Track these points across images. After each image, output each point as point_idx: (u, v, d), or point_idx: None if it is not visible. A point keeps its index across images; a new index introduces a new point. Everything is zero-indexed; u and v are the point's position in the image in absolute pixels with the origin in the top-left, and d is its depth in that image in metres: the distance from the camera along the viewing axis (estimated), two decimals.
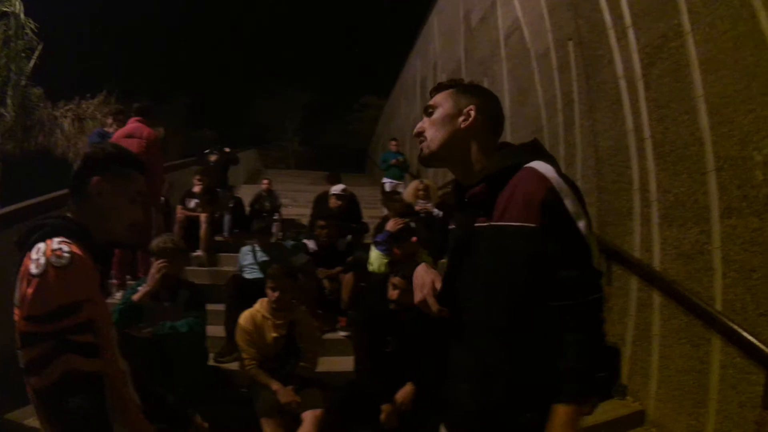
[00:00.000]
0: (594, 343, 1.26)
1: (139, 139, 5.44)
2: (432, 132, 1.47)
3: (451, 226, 1.58)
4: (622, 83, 3.93)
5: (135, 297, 3.44)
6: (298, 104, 32.57)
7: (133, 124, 5.59)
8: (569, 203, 1.28)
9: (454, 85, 1.53)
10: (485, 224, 1.36)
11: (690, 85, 3.22)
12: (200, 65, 26.92)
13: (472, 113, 1.45)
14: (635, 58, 3.79)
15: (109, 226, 1.49)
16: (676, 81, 3.37)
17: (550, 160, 1.40)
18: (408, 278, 3.50)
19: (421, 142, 1.50)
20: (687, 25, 3.21)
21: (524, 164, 1.36)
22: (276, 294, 3.60)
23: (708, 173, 3.05)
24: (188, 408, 3.24)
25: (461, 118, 1.46)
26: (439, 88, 1.55)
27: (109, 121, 6.34)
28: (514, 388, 1.29)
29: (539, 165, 1.34)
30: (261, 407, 3.29)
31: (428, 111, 1.51)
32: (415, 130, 1.51)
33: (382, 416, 3.18)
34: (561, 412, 1.22)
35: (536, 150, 1.45)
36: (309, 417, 3.30)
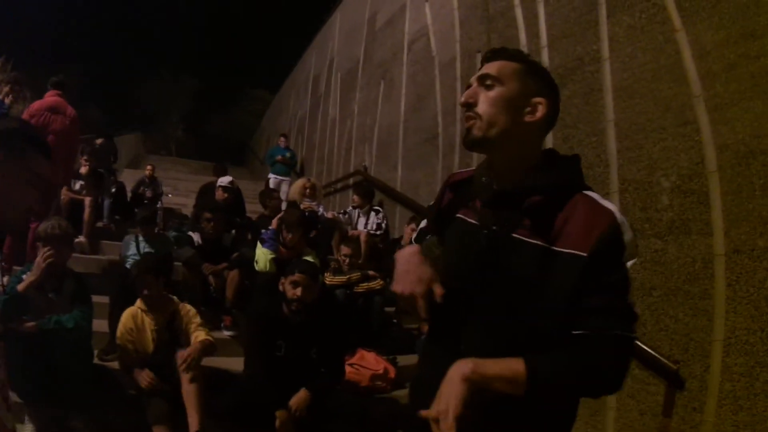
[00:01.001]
0: (582, 371, 1.12)
1: (63, 116, 5.27)
2: (490, 112, 1.22)
3: (461, 216, 1.32)
4: None
5: (20, 287, 3.12)
6: (188, 90, 30.83)
7: (53, 97, 5.36)
8: (627, 238, 1.15)
9: (522, 59, 1.28)
10: (529, 240, 1.16)
11: (601, 109, 3.34)
12: (92, 40, 24.43)
13: (541, 109, 1.23)
14: None
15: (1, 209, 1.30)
16: (586, 104, 3.48)
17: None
18: (309, 273, 3.31)
19: (471, 117, 1.24)
20: (605, 52, 3.33)
21: (579, 187, 1.21)
22: (145, 295, 3.41)
23: (611, 194, 3.17)
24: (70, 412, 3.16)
25: (527, 109, 1.23)
26: (502, 54, 1.29)
27: (6, 89, 6.05)
28: (525, 418, 1.15)
29: (597, 196, 1.20)
30: (152, 414, 3.04)
31: (486, 82, 1.24)
32: (465, 99, 1.25)
33: (277, 423, 2.95)
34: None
35: (580, 170, 1.29)
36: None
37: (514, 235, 1.18)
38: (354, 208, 6.18)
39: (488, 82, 1.24)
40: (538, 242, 1.15)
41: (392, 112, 6.98)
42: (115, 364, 3.70)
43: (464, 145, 1.26)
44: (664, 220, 2.81)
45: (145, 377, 3.24)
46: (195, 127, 31.25)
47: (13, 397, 3.12)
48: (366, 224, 5.99)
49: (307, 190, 6.15)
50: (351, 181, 8.03)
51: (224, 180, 6.36)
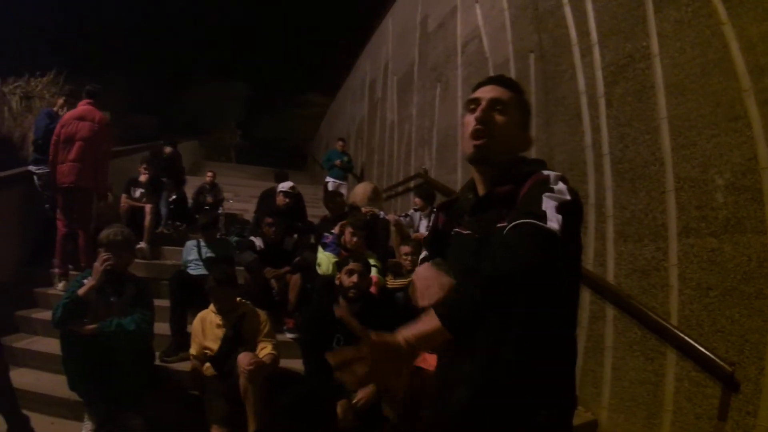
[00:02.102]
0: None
1: (91, 123, 5.43)
2: (502, 135, 1.41)
3: (456, 230, 1.48)
4: (583, 99, 4.01)
5: (80, 291, 3.30)
6: (240, 97, 31.89)
7: (84, 106, 5.55)
8: (553, 194, 1.24)
9: (519, 90, 1.49)
10: (501, 225, 1.26)
11: (654, 106, 3.32)
12: (142, 49, 25.80)
13: (530, 141, 1.48)
14: (599, 75, 3.88)
15: None
16: (639, 101, 3.46)
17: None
18: (362, 262, 3.58)
19: (482, 136, 1.40)
20: (655, 48, 3.31)
21: (539, 169, 1.35)
22: (218, 305, 3.64)
23: (667, 192, 3.15)
24: (129, 411, 3.34)
25: (524, 140, 1.47)
26: (506, 83, 1.48)
27: (60, 102, 6.16)
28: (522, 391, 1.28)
29: (551, 172, 1.33)
30: (213, 414, 3.22)
31: (497, 107, 1.42)
32: (480, 117, 1.40)
33: (338, 412, 3.13)
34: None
35: (544, 163, 1.46)
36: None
37: (497, 226, 1.27)
38: (416, 210, 6.31)
39: (498, 107, 1.41)
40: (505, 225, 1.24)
41: (449, 115, 7.07)
42: (177, 366, 3.97)
43: (471, 159, 1.43)
44: (719, 218, 2.78)
45: (205, 370, 3.51)
46: (252, 133, 32.26)
47: (73, 396, 3.46)
48: (428, 227, 6.10)
49: (370, 194, 6.32)
50: (411, 184, 8.16)
51: (285, 185, 6.55)
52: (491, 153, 1.40)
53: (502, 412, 1.28)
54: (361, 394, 3.20)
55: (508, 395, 1.27)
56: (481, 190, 1.45)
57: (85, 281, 3.42)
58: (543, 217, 1.18)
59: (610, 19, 3.80)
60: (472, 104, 1.47)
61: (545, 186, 1.26)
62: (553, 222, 1.17)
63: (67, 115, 5.55)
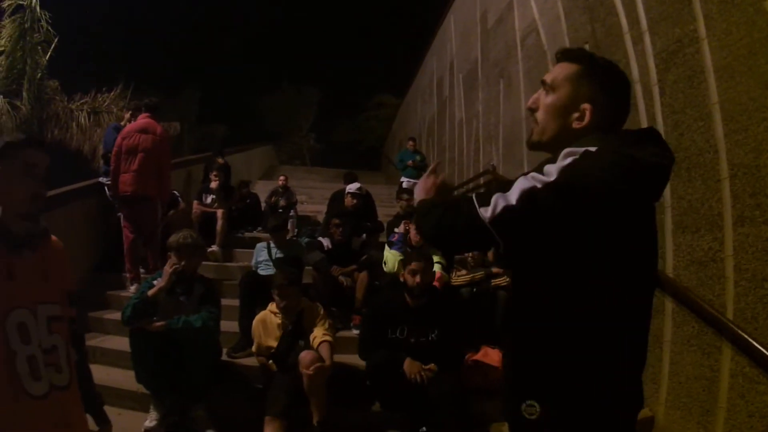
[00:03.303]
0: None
1: (153, 135, 5.65)
2: (544, 119, 1.38)
3: None
4: (638, 88, 3.95)
5: (150, 292, 3.60)
6: (311, 101, 32.78)
7: (144, 119, 5.77)
8: (529, 176, 1.22)
9: (581, 58, 1.37)
10: None
11: (705, 91, 3.24)
12: (211, 59, 27.11)
13: (587, 114, 1.32)
14: (651, 63, 3.81)
15: (10, 204, 1.61)
16: (690, 87, 3.39)
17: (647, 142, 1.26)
18: (423, 259, 3.74)
19: (532, 121, 1.41)
20: (702, 31, 3.24)
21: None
22: (283, 303, 3.78)
23: (722, 180, 3.08)
24: (194, 403, 3.62)
25: (575, 115, 1.34)
26: (564, 55, 1.41)
27: (127, 116, 6.48)
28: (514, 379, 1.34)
29: (578, 149, 1.24)
30: (269, 406, 3.37)
31: (546, 85, 1.39)
32: (530, 104, 1.41)
33: (406, 365, 3.42)
34: None
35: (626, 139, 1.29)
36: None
37: None
38: None
39: (547, 86, 1.38)
40: None
41: (514, 110, 7.07)
42: (244, 361, 4.19)
43: (529, 147, 1.43)
44: None
45: (268, 367, 3.75)
46: (325, 137, 33.03)
47: (141, 389, 3.75)
48: None
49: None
50: (481, 180, 8.21)
51: (352, 186, 6.74)
52: (538, 140, 1.39)
53: (504, 406, 1.36)
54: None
55: (505, 389, 1.36)
56: None
57: (155, 282, 3.72)
58: (490, 200, 1.20)
59: (658, 4, 3.73)
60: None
61: (539, 167, 1.24)
62: (497, 208, 1.19)
63: (128, 127, 5.80)
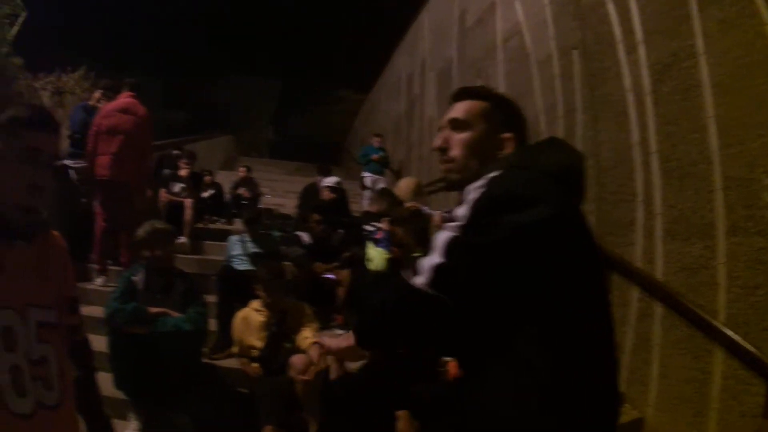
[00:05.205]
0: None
1: (134, 116, 5.47)
2: (463, 156, 1.40)
3: None
4: (630, 97, 4.18)
5: (153, 310, 3.47)
6: (272, 93, 32.54)
7: (126, 99, 5.59)
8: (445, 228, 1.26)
9: (486, 96, 1.45)
10: None
11: (701, 105, 3.47)
12: (173, 45, 26.48)
13: (510, 144, 1.40)
14: (644, 73, 4.04)
15: (6, 191, 1.45)
16: (685, 100, 3.62)
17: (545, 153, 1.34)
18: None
19: (446, 161, 1.43)
20: (700, 47, 3.47)
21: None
22: (269, 299, 3.78)
23: (715, 191, 3.31)
24: (177, 409, 3.49)
25: (497, 148, 1.40)
26: (467, 94, 1.47)
27: (97, 95, 6.38)
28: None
29: (474, 185, 1.27)
30: (264, 413, 3.37)
31: (456, 126, 1.43)
32: (438, 144, 1.44)
33: (399, 424, 3.20)
34: None
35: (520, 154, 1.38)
36: None
37: None
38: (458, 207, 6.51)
39: (457, 126, 1.43)
40: None
41: None
42: (224, 363, 4.11)
43: (445, 188, 1.47)
44: (766, 217, 2.94)
45: (252, 370, 3.63)
46: (285, 129, 32.82)
47: (119, 394, 3.52)
48: None
49: (413, 189, 6.50)
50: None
51: (330, 180, 6.82)
52: (460, 179, 1.40)
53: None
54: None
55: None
56: None
57: (133, 278, 3.57)
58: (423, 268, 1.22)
59: (655, 17, 3.95)
60: (439, 130, 1.50)
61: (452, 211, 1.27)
62: (427, 271, 1.20)
63: (109, 106, 5.60)
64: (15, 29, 10.86)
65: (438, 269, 1.18)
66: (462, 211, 1.22)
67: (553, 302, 1.20)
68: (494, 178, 1.23)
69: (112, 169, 5.29)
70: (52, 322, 1.50)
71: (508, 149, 1.39)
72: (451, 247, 1.19)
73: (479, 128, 1.41)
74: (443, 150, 1.44)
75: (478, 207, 1.20)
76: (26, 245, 1.48)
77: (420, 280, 1.19)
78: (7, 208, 1.44)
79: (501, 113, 1.44)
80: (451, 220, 1.23)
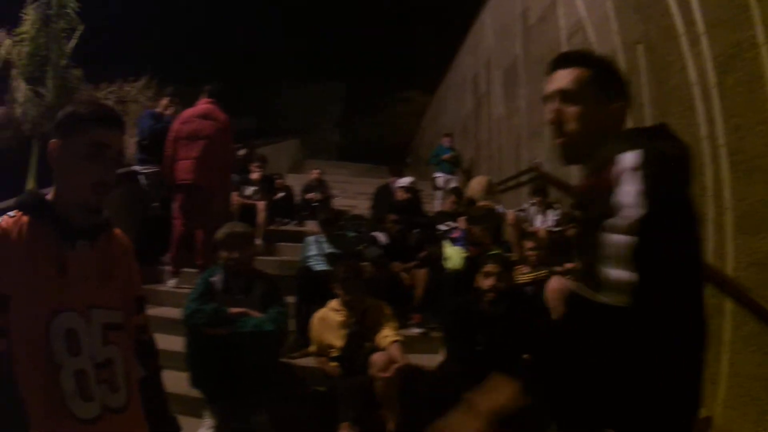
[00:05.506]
0: None
1: (215, 122, 5.51)
2: (579, 131, 1.35)
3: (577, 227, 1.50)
4: (696, 90, 4.15)
5: (234, 310, 3.47)
6: (336, 96, 33.19)
7: (205, 105, 5.62)
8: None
9: (591, 63, 1.38)
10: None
11: (765, 96, 3.43)
12: (235, 52, 27.35)
13: (622, 114, 1.36)
14: (708, 65, 4.01)
15: (70, 190, 1.44)
16: (750, 91, 3.58)
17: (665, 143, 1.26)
18: (499, 262, 3.71)
19: (561, 136, 1.38)
20: (761, 38, 3.43)
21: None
22: (348, 297, 3.79)
23: None
24: (256, 408, 3.49)
25: (611, 119, 1.35)
26: (571, 61, 1.40)
27: (164, 102, 6.56)
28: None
29: (626, 161, 1.19)
30: (344, 415, 3.37)
31: (566, 97, 1.36)
32: (552, 118, 1.38)
33: None
34: None
35: (650, 135, 1.29)
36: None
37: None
38: (531, 205, 6.56)
39: (567, 98, 1.35)
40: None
41: None
42: (301, 362, 4.08)
43: (563, 163, 1.44)
44: None
45: (331, 369, 3.66)
46: (351, 131, 33.28)
47: (193, 392, 3.53)
48: (544, 221, 6.32)
49: (485, 188, 6.50)
50: (524, 178, 8.39)
51: (404, 181, 6.83)
52: (575, 151, 1.38)
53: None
54: None
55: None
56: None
57: (212, 279, 3.59)
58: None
59: (715, 8, 3.92)
60: (545, 101, 1.43)
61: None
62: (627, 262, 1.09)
63: (188, 112, 5.61)
64: (73, 42, 11.37)
65: (645, 250, 1.09)
66: (628, 198, 1.13)
67: (695, 286, 1.23)
68: (644, 154, 1.17)
69: (194, 174, 5.32)
70: (118, 323, 1.49)
71: (621, 120, 1.35)
72: (649, 226, 1.10)
73: (590, 99, 1.34)
74: (557, 124, 1.38)
75: (649, 189, 1.13)
76: (89, 245, 1.45)
77: (625, 276, 1.09)
78: (70, 209, 1.43)
79: (609, 81, 1.37)
80: (610, 209, 1.14)
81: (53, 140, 1.44)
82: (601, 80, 1.36)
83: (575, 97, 1.35)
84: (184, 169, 5.35)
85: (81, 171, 1.40)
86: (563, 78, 1.38)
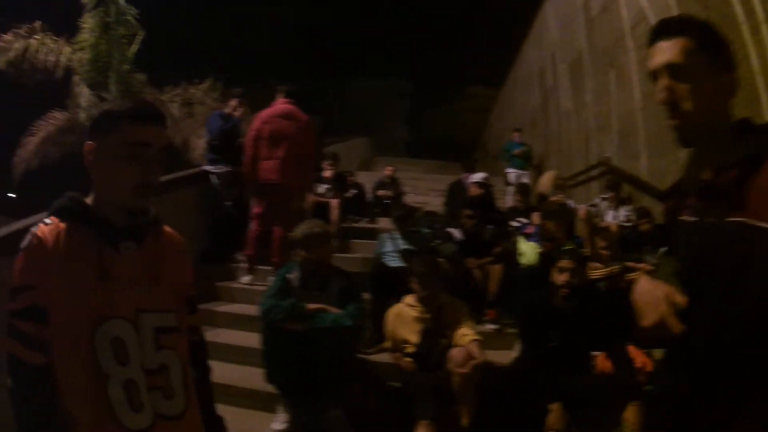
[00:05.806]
0: None
1: (297, 122, 5.56)
2: (696, 111, 1.24)
3: (682, 218, 1.33)
4: (759, 80, 4.15)
5: (312, 306, 3.50)
6: (404, 92, 33.48)
7: (285, 105, 5.64)
8: None
9: (694, 30, 1.27)
10: (738, 220, 1.16)
11: None
12: (301, 50, 27.82)
13: (734, 84, 1.26)
14: None
15: (111, 194, 1.37)
16: None
17: None
18: (573, 258, 3.68)
19: (676, 117, 1.26)
20: None
21: None
22: (424, 293, 3.77)
23: None
24: (330, 404, 3.50)
25: (724, 93, 1.26)
26: (671, 29, 1.28)
27: (233, 103, 6.57)
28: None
29: None
30: (419, 407, 3.38)
31: (676, 72, 1.24)
32: (665, 98, 1.26)
33: (550, 417, 3.23)
34: None
35: None
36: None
37: (727, 220, 1.18)
38: (603, 200, 6.52)
39: (679, 73, 1.24)
40: (739, 219, 1.14)
41: (627, 100, 7.22)
42: (376, 357, 4.06)
43: (679, 146, 1.32)
44: None
45: (407, 365, 3.66)
46: (419, 128, 33.38)
47: (266, 388, 3.58)
48: (616, 216, 6.23)
49: (555, 182, 6.46)
50: (593, 172, 8.36)
51: (478, 176, 6.82)
52: (693, 133, 1.27)
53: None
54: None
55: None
56: (706, 172, 1.27)
57: (288, 276, 3.64)
58: None
59: None
60: (653, 77, 1.31)
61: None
62: None
63: (267, 112, 5.63)
64: (134, 47, 11.57)
65: None
66: None
67: None
68: None
69: (280, 173, 5.40)
70: (172, 326, 1.41)
71: (732, 93, 1.26)
72: None
73: (702, 72, 1.23)
74: (671, 104, 1.26)
75: None
76: (136, 247, 1.37)
77: None
78: (112, 212, 1.36)
79: (717, 49, 1.26)
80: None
81: (88, 142, 1.37)
82: (709, 50, 1.25)
83: (687, 72, 1.24)
84: (269, 169, 5.42)
85: (121, 173, 1.32)
86: (669, 50, 1.26)
